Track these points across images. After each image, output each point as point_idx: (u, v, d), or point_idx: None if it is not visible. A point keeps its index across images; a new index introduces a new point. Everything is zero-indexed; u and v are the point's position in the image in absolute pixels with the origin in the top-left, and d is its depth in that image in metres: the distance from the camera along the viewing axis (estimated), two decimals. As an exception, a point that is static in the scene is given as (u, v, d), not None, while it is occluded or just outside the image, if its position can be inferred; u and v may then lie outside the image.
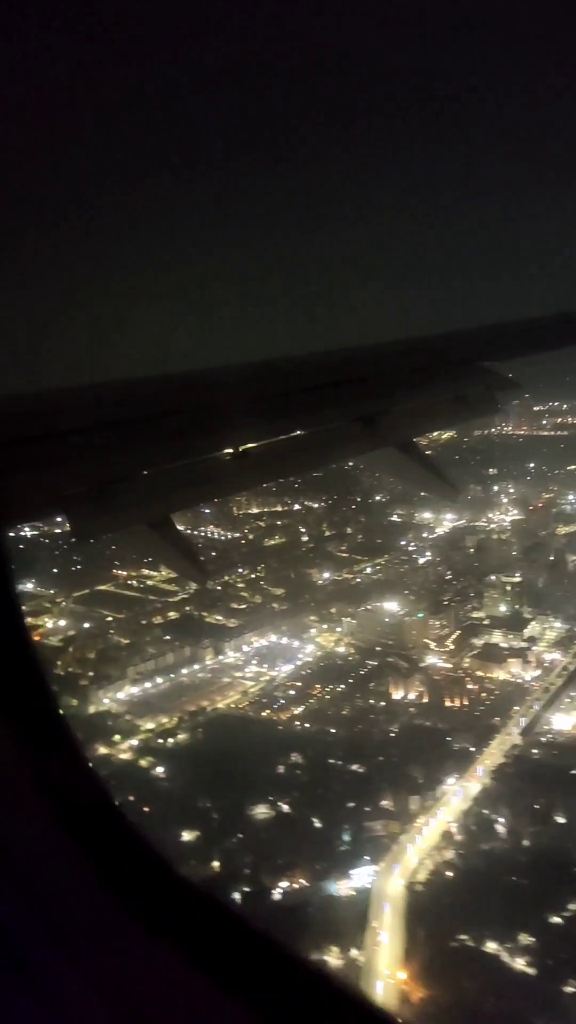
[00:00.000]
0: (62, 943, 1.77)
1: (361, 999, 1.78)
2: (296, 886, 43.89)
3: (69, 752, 2.26)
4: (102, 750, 59.75)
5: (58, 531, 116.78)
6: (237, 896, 43.26)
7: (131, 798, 52.83)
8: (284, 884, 44.14)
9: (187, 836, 48.74)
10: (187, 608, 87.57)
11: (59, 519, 4.03)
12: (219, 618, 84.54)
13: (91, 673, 72.45)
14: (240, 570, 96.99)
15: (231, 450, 4.65)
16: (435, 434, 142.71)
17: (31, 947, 1.76)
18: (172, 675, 71.94)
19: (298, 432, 5.12)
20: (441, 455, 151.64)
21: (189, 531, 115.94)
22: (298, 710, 63.82)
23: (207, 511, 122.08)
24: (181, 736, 60.73)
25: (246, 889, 43.75)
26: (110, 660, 74.10)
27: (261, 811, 50.96)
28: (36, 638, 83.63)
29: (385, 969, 38.71)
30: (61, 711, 2.30)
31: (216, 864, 46.03)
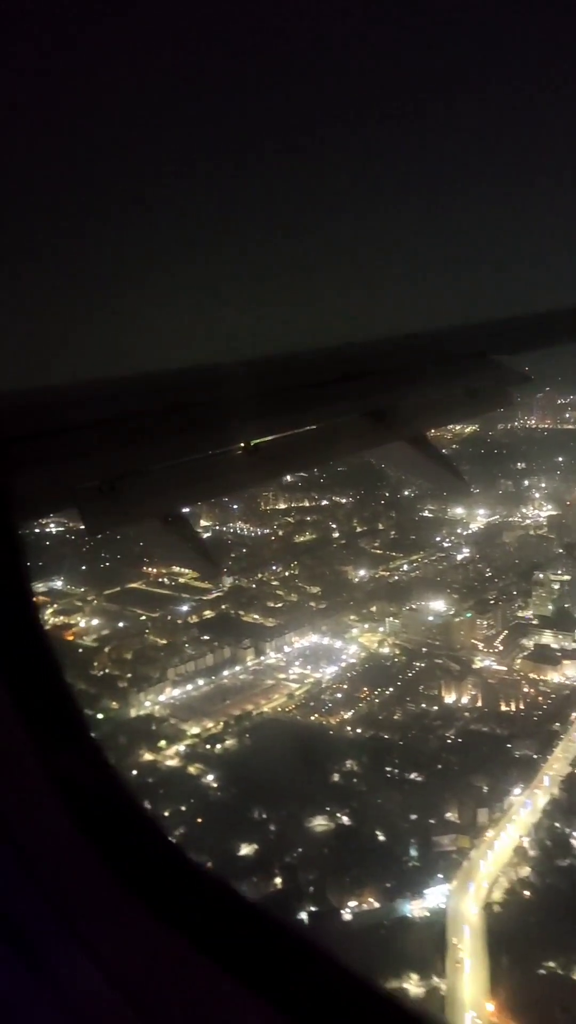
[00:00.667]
0: (67, 924, 1.76)
1: (365, 983, 1.73)
2: (366, 906, 41.28)
3: (84, 744, 2.23)
4: (148, 756, 57.32)
5: (83, 527, 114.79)
6: (304, 916, 40.75)
7: (182, 808, 50.40)
8: (353, 903, 41.54)
9: (245, 850, 46.24)
10: (223, 607, 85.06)
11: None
12: (256, 617, 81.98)
13: (129, 674, 69.99)
14: (274, 567, 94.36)
15: (241, 445, 4.50)
16: (457, 428, 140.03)
17: (37, 931, 1.75)
18: (213, 677, 69.38)
19: (308, 427, 4.98)
20: (464, 449, 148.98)
21: (217, 527, 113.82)
22: (348, 714, 61.18)
23: (235, 507, 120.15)
24: (229, 742, 58.16)
25: (313, 909, 41.17)
26: (148, 661, 71.64)
27: (320, 823, 48.40)
28: (69, 637, 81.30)
29: (471, 1000, 36.07)
30: (78, 704, 2.24)
31: (278, 881, 43.46)
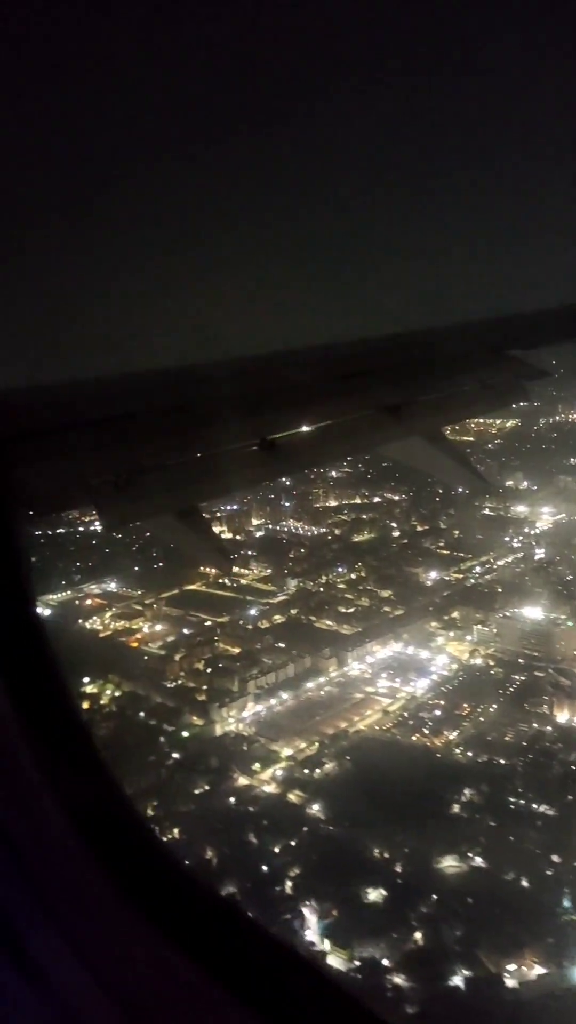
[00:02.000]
0: (62, 929, 1.76)
1: (350, 996, 1.77)
2: (530, 970, 35.75)
3: (84, 751, 2.22)
4: (242, 780, 51.97)
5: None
6: (459, 982, 35.30)
7: (292, 843, 45.02)
8: (513, 967, 36.03)
9: (372, 895, 40.83)
10: (292, 612, 79.61)
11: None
12: (330, 623, 76.50)
13: (205, 686, 64.70)
14: (340, 569, 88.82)
15: (257, 440, 4.40)
16: (497, 423, 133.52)
17: (31, 934, 1.75)
18: (296, 690, 63.89)
19: (324, 422, 4.91)
20: (510, 444, 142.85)
21: (269, 525, 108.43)
22: (452, 734, 55.61)
23: (286, 504, 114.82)
24: (328, 765, 52.68)
25: (468, 974, 35.67)
26: (224, 672, 66.28)
27: (450, 864, 42.89)
28: (134, 644, 76.09)
29: None
30: (77, 705, 2.14)
31: (419, 936, 37.98)
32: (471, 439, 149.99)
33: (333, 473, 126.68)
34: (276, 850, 44.43)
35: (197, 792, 50.47)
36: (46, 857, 1.94)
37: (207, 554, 5.04)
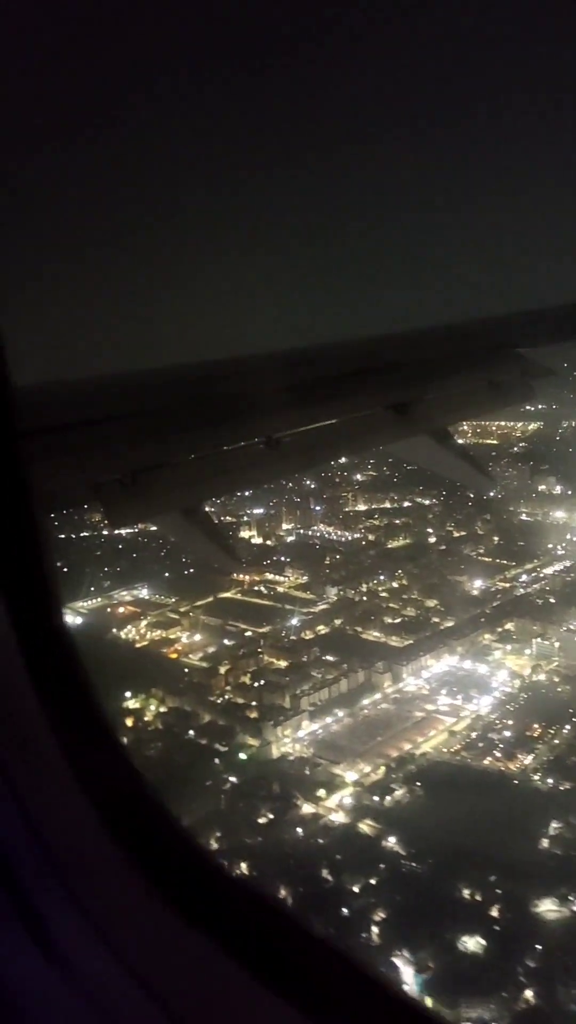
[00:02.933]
0: (92, 924, 1.76)
1: (382, 983, 1.78)
2: None
3: (104, 737, 2.23)
4: (307, 808, 48.00)
5: (153, 529, 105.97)
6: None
7: (372, 881, 41.08)
8: None
9: (470, 944, 36.90)
10: (336, 622, 75.68)
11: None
12: (377, 635, 72.58)
13: (254, 702, 60.80)
14: (381, 576, 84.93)
15: (263, 438, 4.42)
16: (520, 425, 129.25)
17: (57, 921, 1.76)
18: (352, 707, 59.98)
19: (330, 420, 4.91)
20: (536, 448, 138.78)
21: (300, 530, 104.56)
22: (527, 759, 51.63)
23: (317, 508, 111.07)
24: (398, 792, 48.72)
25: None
26: (273, 687, 62.37)
27: (550, 909, 38.92)
28: (172, 655, 72.12)
29: None
30: (102, 705, 2.22)
31: (529, 994, 34.03)
32: (494, 442, 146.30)
33: (358, 476, 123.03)
34: (355, 889, 40.53)
35: (261, 821, 46.55)
36: (65, 837, 1.89)
37: (213, 552, 4.83)
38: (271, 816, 46.55)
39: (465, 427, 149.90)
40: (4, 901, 1.79)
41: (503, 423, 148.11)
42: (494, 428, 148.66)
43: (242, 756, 52.72)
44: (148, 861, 1.89)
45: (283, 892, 40.37)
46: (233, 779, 50.57)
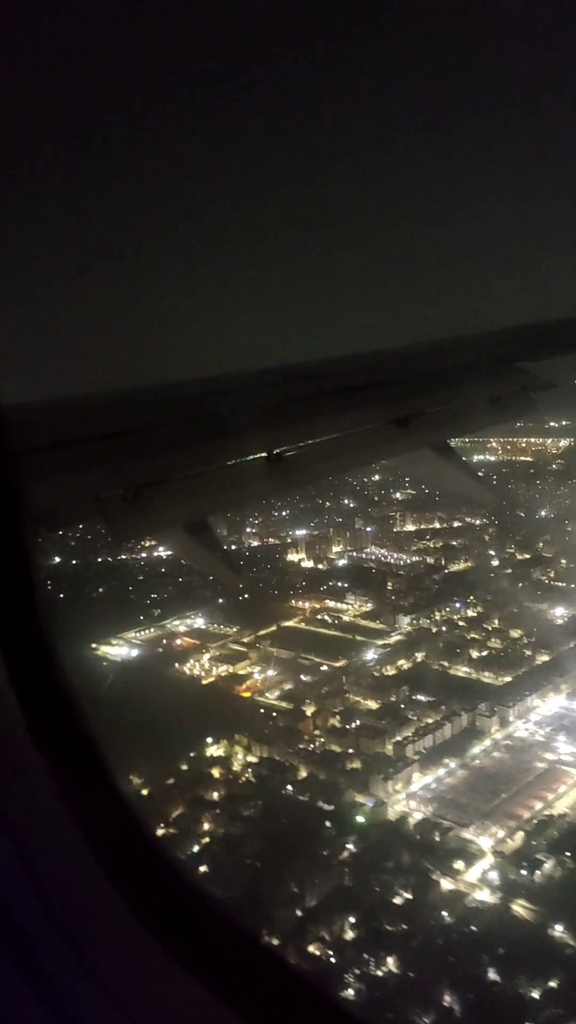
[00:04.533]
0: (86, 961, 1.75)
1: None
2: None
3: (100, 776, 2.17)
4: (445, 884, 41.19)
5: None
6: None
7: (552, 984, 34.23)
8: None
9: None
10: (417, 656, 69.00)
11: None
12: (467, 671, 66.02)
13: (351, 750, 54.06)
14: (456, 604, 78.43)
15: (264, 453, 4.34)
16: (549, 441, 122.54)
17: (55, 965, 1.75)
18: (461, 756, 53.28)
19: (332, 435, 4.82)
20: (572, 465, 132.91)
21: (353, 553, 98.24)
22: None
23: (368, 529, 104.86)
24: (547, 864, 41.92)
25: None
26: (370, 732, 55.65)
27: None
28: (245, 694, 65.21)
29: None
30: (95, 737, 2.19)
31: None
32: (529, 459, 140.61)
33: (398, 495, 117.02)
34: (535, 995, 33.68)
35: (398, 902, 39.70)
36: (66, 886, 1.86)
37: (216, 568, 4.88)
38: (408, 896, 39.71)
39: (495, 444, 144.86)
40: (5, 952, 1.71)
41: (533, 439, 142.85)
42: (524, 444, 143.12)
43: (360, 820, 45.81)
44: (150, 908, 1.86)
45: (449, 999, 33.59)
46: (351, 847, 43.71)
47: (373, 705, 60.21)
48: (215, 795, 49.60)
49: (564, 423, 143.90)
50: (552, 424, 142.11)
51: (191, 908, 2.00)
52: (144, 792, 49.70)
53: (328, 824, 45.62)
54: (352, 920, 38.32)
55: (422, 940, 37.10)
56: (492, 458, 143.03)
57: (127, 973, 1.80)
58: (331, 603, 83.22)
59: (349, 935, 37.73)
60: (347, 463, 5.51)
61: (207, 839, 45.37)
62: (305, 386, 5.10)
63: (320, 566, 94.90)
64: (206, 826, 46.50)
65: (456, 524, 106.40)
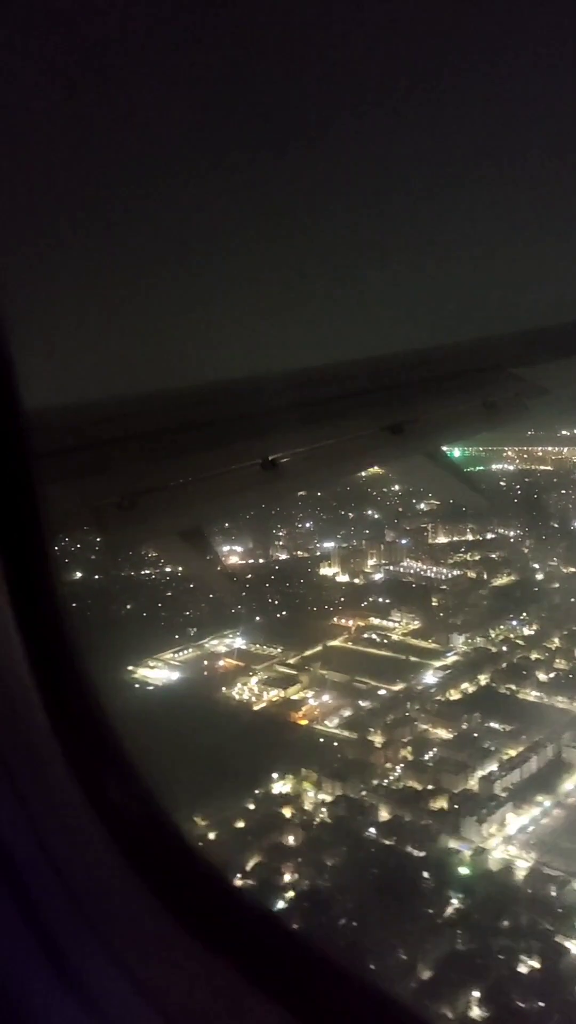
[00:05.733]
0: (114, 957, 1.74)
1: (403, 1007, 1.81)
2: None
3: (119, 760, 2.18)
4: (574, 948, 36.42)
5: (235, 560, 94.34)
6: None
7: None
8: None
9: None
10: (480, 678, 64.37)
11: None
12: (539, 695, 61.35)
13: (431, 786, 49.29)
14: (512, 622, 73.97)
15: (260, 460, 4.35)
16: (566, 450, 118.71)
17: (77, 952, 1.74)
18: (554, 792, 48.59)
19: (326, 441, 4.89)
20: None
21: (390, 567, 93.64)
22: None
23: (403, 542, 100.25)
24: None
25: None
26: (449, 765, 50.93)
27: None
28: (302, 721, 60.26)
29: None
30: (114, 726, 2.17)
31: None
32: (548, 468, 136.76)
33: (422, 506, 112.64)
34: None
35: (524, 971, 34.89)
36: (91, 877, 1.86)
37: (212, 577, 5.05)
38: (535, 964, 34.91)
39: (511, 453, 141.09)
40: (21, 928, 1.70)
41: (550, 448, 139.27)
42: (540, 453, 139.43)
43: (461, 869, 41.01)
44: (163, 884, 1.85)
45: None
46: (457, 902, 38.90)
47: (445, 734, 55.50)
48: (291, 840, 44.71)
49: (575, 431, 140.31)
50: (564, 432, 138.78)
51: (201, 880, 1.98)
52: (212, 836, 44.81)
53: (426, 875, 40.79)
54: (477, 995, 33.47)
55: (559, 1021, 32.33)
56: (510, 467, 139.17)
57: (140, 945, 1.77)
58: (376, 620, 78.60)
59: (475, 1014, 32.91)
60: (342, 470, 5.57)
61: (292, 893, 40.49)
62: (300, 393, 5.00)
63: (356, 580, 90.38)
64: (288, 877, 41.64)
65: (489, 536, 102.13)
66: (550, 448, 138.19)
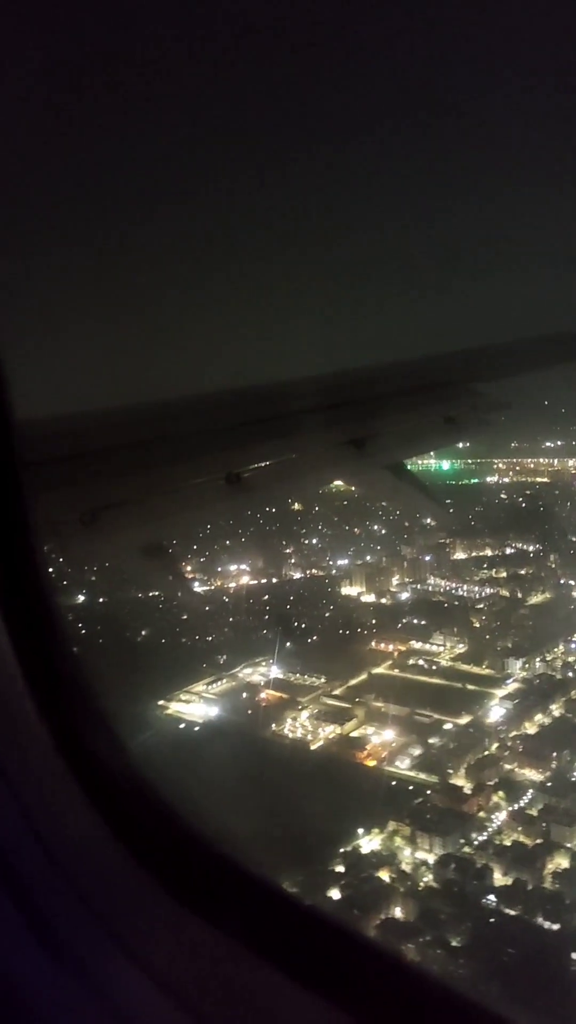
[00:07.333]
0: (103, 927, 1.72)
1: (424, 976, 1.71)
2: None
3: (99, 726, 2.16)
4: None
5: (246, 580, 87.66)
6: None
7: None
8: None
9: None
10: (554, 709, 58.80)
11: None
12: (619, 726, 55.94)
13: (540, 839, 43.35)
14: (572, 644, 68.80)
15: (224, 474, 4.36)
16: (556, 460, 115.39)
17: (72, 933, 1.71)
18: None
19: (289, 455, 4.85)
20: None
21: (416, 586, 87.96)
22: None
23: (427, 558, 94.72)
24: None
25: None
26: (556, 814, 45.08)
27: None
28: (369, 762, 53.59)
29: None
30: (105, 712, 2.14)
31: None
32: (545, 480, 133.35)
33: (428, 520, 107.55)
34: None
35: None
36: (85, 857, 1.83)
37: (176, 589, 4.83)
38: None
39: (502, 466, 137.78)
40: (9, 904, 1.69)
41: (540, 460, 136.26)
42: (531, 465, 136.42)
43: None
44: (154, 856, 1.83)
45: None
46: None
47: (536, 775, 49.64)
48: (401, 912, 38.18)
49: (559, 443, 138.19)
50: (548, 444, 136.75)
51: (191, 849, 1.95)
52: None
53: (575, 956, 34.66)
54: None
55: None
56: (506, 480, 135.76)
57: (130, 916, 1.74)
58: (417, 644, 72.68)
59: None
60: (304, 483, 5.69)
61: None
62: (263, 407, 4.99)
63: (384, 600, 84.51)
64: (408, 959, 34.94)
65: (509, 551, 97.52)
66: (541, 460, 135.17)
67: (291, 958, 1.64)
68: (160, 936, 1.74)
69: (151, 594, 77.16)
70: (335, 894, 39.24)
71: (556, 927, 36.62)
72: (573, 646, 68.21)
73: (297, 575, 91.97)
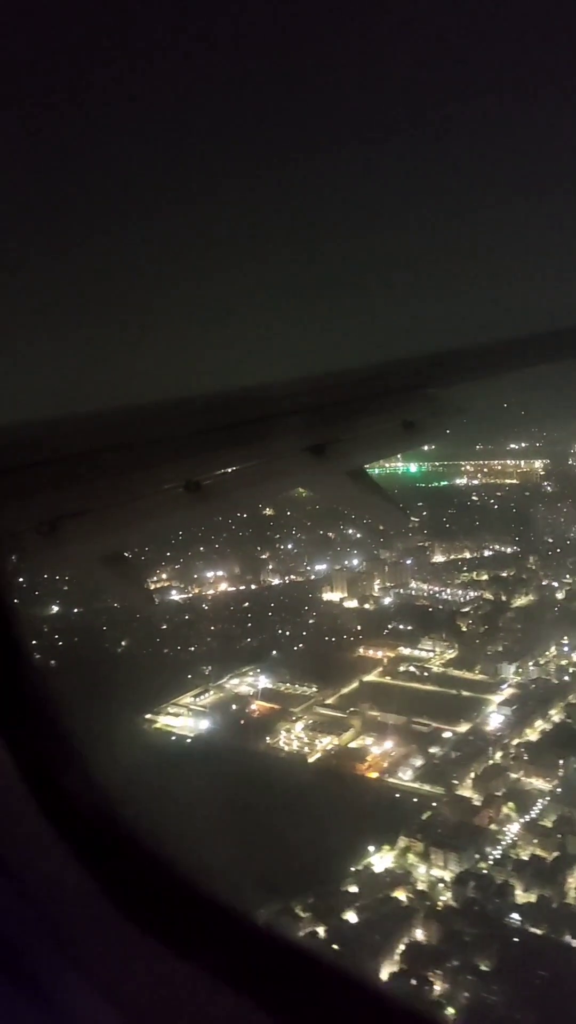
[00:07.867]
0: (68, 954, 1.72)
1: (371, 987, 1.71)
2: None
3: (65, 752, 2.13)
4: None
5: (224, 587, 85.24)
6: None
7: None
8: None
9: None
10: (553, 714, 57.62)
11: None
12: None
13: (557, 852, 41.84)
14: (564, 646, 67.92)
15: (183, 482, 4.30)
16: (522, 462, 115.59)
17: (37, 960, 1.71)
18: None
19: (250, 462, 4.84)
20: (565, 484, 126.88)
21: (399, 590, 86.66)
22: None
23: (408, 561, 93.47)
24: None
25: None
26: (569, 825, 43.68)
27: None
28: (371, 774, 51.60)
29: None
30: (70, 735, 2.10)
31: None
32: (515, 481, 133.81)
33: (414, 520, 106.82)
34: None
35: None
36: (46, 881, 1.82)
37: (133, 598, 4.92)
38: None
39: (469, 467, 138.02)
40: None
41: (507, 461, 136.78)
42: (498, 467, 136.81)
43: None
44: (125, 891, 1.81)
45: None
46: None
47: (543, 784, 48.24)
48: (422, 935, 36.22)
49: (523, 444, 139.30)
50: (513, 446, 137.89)
51: (157, 877, 1.96)
52: (323, 933, 35.95)
53: (608, 976, 33.07)
54: None
55: None
56: (475, 482, 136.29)
57: (98, 948, 1.74)
58: (406, 650, 71.12)
59: None
60: (266, 491, 5.81)
61: (452, 1011, 32.01)
62: (223, 415, 4.94)
63: (367, 606, 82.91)
64: (439, 987, 33.13)
65: (487, 553, 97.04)
66: (508, 461, 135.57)
67: (263, 988, 1.60)
68: (128, 967, 1.70)
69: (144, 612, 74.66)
70: (351, 917, 37.18)
71: (580, 946, 35.03)
72: (566, 649, 67.16)
73: (276, 581, 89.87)
